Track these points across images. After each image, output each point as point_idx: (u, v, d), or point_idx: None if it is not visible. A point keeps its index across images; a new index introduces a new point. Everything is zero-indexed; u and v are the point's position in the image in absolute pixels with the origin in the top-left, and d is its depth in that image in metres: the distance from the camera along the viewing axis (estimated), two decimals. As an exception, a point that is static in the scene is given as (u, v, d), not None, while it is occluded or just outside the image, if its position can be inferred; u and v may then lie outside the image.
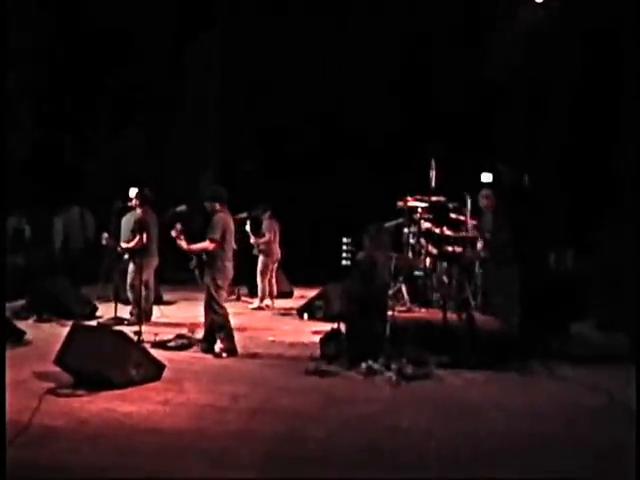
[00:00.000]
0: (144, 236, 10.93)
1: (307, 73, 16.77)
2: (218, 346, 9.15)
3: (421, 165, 11.99)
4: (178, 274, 13.31)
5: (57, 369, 7.64)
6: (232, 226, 9.49)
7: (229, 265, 9.31)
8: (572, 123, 13.10)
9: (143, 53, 16.29)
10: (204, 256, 9.23)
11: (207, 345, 9.28)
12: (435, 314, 10.90)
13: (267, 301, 13.53)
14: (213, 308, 9.23)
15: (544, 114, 13.70)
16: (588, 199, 12.77)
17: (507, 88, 14.89)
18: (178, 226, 9.34)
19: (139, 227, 11.00)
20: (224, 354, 9.08)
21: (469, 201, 11.43)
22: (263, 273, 13.54)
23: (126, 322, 10.82)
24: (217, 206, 9.34)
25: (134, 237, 11.06)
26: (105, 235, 11.19)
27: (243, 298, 14.25)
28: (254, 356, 9.29)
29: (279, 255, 13.71)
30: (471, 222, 11.90)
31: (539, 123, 13.86)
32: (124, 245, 11.18)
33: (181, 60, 17.61)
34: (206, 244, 9.13)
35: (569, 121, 13.17)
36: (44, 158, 15.74)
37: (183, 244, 9.27)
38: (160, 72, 16.82)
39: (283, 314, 12.91)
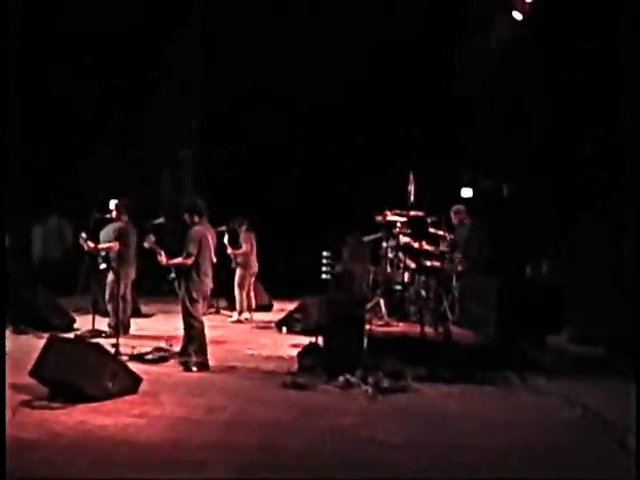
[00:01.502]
0: (117, 243, 10.90)
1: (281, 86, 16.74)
2: (191, 359, 9.13)
3: (400, 179, 12.04)
4: (156, 286, 13.30)
5: (33, 381, 7.59)
6: (211, 239, 9.46)
7: (205, 279, 9.28)
8: (548, 132, 13.20)
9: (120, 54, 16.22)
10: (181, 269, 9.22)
11: (184, 358, 9.25)
12: (413, 327, 10.97)
13: (246, 314, 13.50)
14: (188, 322, 9.22)
15: (519, 124, 13.80)
16: (564, 209, 12.87)
17: (482, 99, 14.99)
18: (151, 237, 9.33)
19: (117, 235, 10.98)
20: (194, 368, 9.05)
21: (444, 217, 11.59)
22: (241, 286, 13.52)
23: (104, 335, 10.77)
24: (195, 219, 9.33)
25: (112, 249, 11.05)
26: (83, 235, 11.10)
27: (222, 311, 14.21)
28: (232, 369, 9.27)
29: (256, 268, 13.69)
30: (449, 236, 12.00)
31: (515, 133, 13.96)
32: (100, 246, 11.09)
33: (160, 61, 17.49)
34: (182, 259, 9.12)
35: (544, 130, 13.26)
36: (22, 168, 15.66)
37: (162, 259, 9.26)
38: (137, 74, 16.74)
39: (262, 327, 12.88)
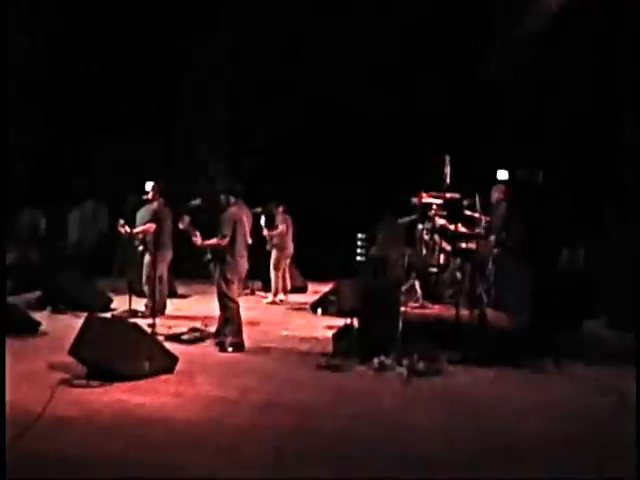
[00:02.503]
0: (153, 225, 10.98)
1: (317, 71, 16.71)
2: (226, 340, 9.19)
3: (437, 161, 11.98)
4: (193, 267, 13.38)
5: (71, 360, 7.69)
6: (247, 220, 9.49)
7: (241, 260, 9.31)
8: (582, 122, 13.04)
9: (152, 50, 16.30)
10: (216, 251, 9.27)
11: (219, 339, 9.32)
12: (448, 310, 10.94)
13: (281, 296, 13.56)
14: (223, 302, 9.27)
15: (555, 109, 13.66)
16: (600, 197, 12.71)
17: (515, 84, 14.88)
18: (186, 218, 9.37)
19: (152, 217, 11.06)
20: (230, 348, 9.10)
21: (478, 201, 11.47)
22: (276, 268, 13.57)
23: (140, 315, 10.87)
24: (231, 200, 9.36)
25: (149, 231, 11.14)
26: (121, 222, 11.21)
27: (257, 292, 14.28)
28: (267, 350, 9.33)
29: (292, 250, 13.73)
30: (485, 219, 11.91)
31: (551, 120, 13.82)
32: (135, 230, 11.18)
33: (190, 59, 17.57)
34: (218, 240, 9.16)
35: (582, 114, 13.09)
36: (58, 153, 15.82)
37: (197, 240, 9.30)
38: (171, 68, 16.82)
39: (296, 309, 12.92)
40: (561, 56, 13.24)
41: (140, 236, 11.24)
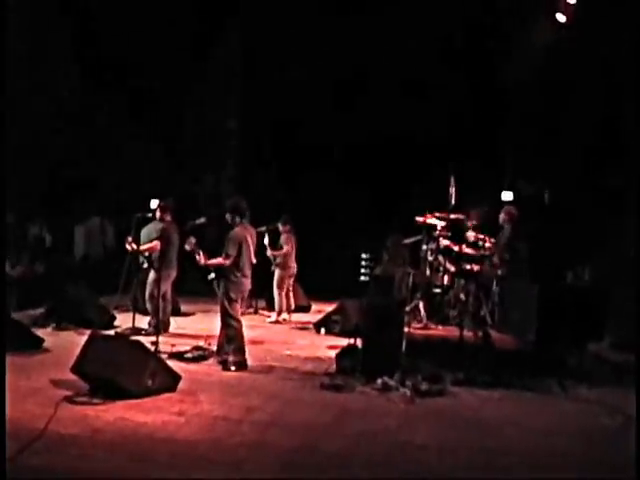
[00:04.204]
0: (159, 242, 10.98)
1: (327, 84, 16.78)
2: (229, 359, 9.18)
3: (441, 182, 12.00)
4: (196, 286, 13.38)
5: (74, 377, 7.68)
6: (251, 239, 9.49)
7: (244, 279, 9.31)
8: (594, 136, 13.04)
9: (161, 59, 16.37)
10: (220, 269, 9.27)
11: (222, 357, 9.30)
12: (452, 331, 10.94)
13: (284, 315, 13.53)
14: (226, 321, 9.27)
15: (563, 128, 13.68)
16: (606, 216, 12.70)
17: (521, 102, 14.91)
18: (192, 240, 9.40)
19: (159, 235, 11.07)
20: (232, 367, 9.08)
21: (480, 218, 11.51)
22: (279, 287, 13.57)
23: (143, 332, 10.86)
24: (237, 219, 9.36)
25: (154, 248, 11.16)
26: (129, 239, 11.26)
27: (261, 311, 14.27)
28: (270, 369, 9.30)
29: (295, 269, 13.72)
30: (489, 240, 11.93)
31: (558, 138, 13.84)
32: (142, 247, 11.18)
33: (202, 66, 17.65)
34: (221, 260, 9.17)
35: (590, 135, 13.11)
36: (66, 169, 15.87)
37: (201, 259, 9.32)
38: (180, 79, 16.90)
39: (300, 328, 12.89)
40: (570, 73, 13.30)
41: (146, 253, 11.25)
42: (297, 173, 17.19)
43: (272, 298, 13.76)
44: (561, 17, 13.15)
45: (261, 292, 13.45)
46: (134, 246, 11.22)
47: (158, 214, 11.36)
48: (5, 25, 9.21)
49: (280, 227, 13.54)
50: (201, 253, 9.33)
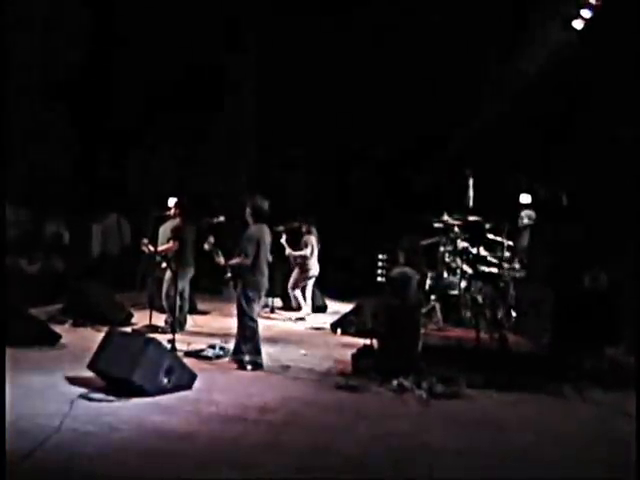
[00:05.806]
0: (176, 242, 10.99)
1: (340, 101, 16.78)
2: (245, 358, 9.18)
3: (460, 185, 11.98)
4: (213, 284, 13.41)
5: (90, 374, 7.72)
6: (268, 238, 9.50)
7: (261, 279, 9.31)
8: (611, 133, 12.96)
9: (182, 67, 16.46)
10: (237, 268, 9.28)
11: (238, 356, 9.31)
12: (468, 333, 10.90)
13: (301, 314, 13.51)
14: (243, 320, 9.26)
15: (580, 131, 13.61)
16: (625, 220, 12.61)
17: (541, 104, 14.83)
18: (211, 239, 9.42)
19: (174, 234, 11.08)
20: (249, 367, 9.08)
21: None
22: (293, 287, 13.58)
23: (160, 330, 10.88)
24: (254, 219, 9.36)
25: (170, 246, 11.17)
26: (145, 240, 11.29)
27: (277, 311, 14.27)
28: (285, 369, 9.29)
29: (317, 271, 13.71)
30: (507, 243, 11.88)
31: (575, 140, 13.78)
32: (159, 248, 11.20)
33: (221, 77, 17.71)
34: (241, 259, 9.18)
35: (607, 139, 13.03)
36: (83, 167, 15.93)
37: (221, 260, 9.34)
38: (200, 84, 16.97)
39: (316, 328, 12.89)
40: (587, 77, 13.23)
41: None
42: (323, 175, 17.23)
43: (289, 297, 13.78)
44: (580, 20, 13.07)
45: (278, 291, 13.44)
46: (150, 248, 11.24)
47: (173, 212, 11.38)
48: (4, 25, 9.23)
49: (305, 226, 13.56)
50: (220, 253, 9.35)
